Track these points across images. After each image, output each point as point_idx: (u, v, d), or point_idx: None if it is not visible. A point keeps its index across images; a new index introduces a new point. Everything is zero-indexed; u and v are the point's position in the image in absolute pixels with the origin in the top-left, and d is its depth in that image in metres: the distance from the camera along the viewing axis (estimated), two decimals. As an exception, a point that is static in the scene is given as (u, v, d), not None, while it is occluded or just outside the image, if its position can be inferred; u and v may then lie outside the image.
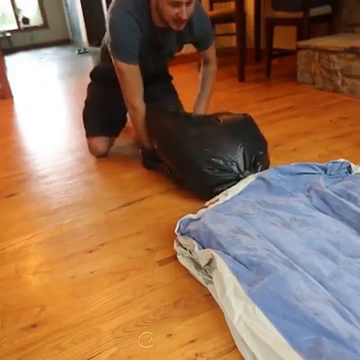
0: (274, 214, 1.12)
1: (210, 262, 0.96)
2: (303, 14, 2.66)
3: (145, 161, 1.67)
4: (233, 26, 3.81)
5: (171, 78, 1.95)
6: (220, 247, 0.99)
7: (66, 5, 7.69)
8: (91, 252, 1.19)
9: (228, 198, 1.24)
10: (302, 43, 2.66)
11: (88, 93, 1.93)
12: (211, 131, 1.40)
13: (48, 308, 0.98)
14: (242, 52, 2.98)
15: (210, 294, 0.94)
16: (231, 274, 0.89)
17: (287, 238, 1.01)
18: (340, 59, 2.38)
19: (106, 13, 5.61)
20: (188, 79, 1.84)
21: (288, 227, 1.07)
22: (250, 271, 0.91)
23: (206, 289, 0.96)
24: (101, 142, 1.83)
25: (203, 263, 0.97)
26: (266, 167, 1.42)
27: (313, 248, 0.97)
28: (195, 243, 1.04)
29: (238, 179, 1.32)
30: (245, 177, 1.32)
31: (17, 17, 7.89)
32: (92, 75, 1.90)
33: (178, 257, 1.08)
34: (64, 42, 8.10)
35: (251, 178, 1.30)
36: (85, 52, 6.36)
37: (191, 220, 1.18)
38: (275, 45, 3.07)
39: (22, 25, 7.93)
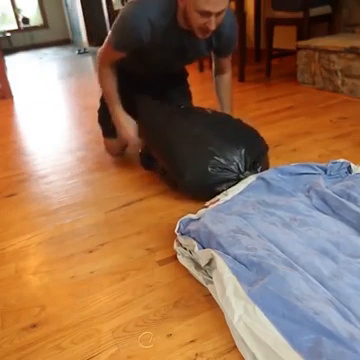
0: (274, 214, 1.12)
1: (210, 262, 0.96)
2: (303, 14, 2.66)
3: (143, 161, 1.66)
4: (233, 26, 3.81)
5: (187, 75, 1.85)
6: (220, 247, 0.99)
7: (66, 5, 7.69)
8: (91, 252, 1.19)
9: (228, 198, 1.24)
10: (302, 43, 2.66)
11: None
12: (214, 131, 1.40)
13: (48, 308, 0.98)
14: (242, 52, 2.98)
15: (210, 294, 0.94)
16: (231, 274, 0.89)
17: (287, 238, 1.01)
18: (340, 59, 2.38)
19: (106, 13, 5.63)
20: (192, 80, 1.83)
21: (288, 227, 1.07)
22: (250, 271, 0.91)
23: (206, 289, 0.96)
24: (117, 143, 1.77)
25: (203, 263, 0.97)
26: (266, 169, 1.42)
27: (313, 248, 0.97)
28: (195, 243, 1.04)
29: (238, 179, 1.32)
30: (245, 177, 1.32)
31: (17, 17, 7.89)
32: None
33: (178, 257, 1.08)
34: (64, 42, 8.10)
35: (251, 178, 1.30)
36: (85, 52, 6.36)
37: (191, 220, 1.18)
38: (275, 45, 3.07)
39: (22, 25, 7.93)
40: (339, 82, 2.45)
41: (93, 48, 6.64)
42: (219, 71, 1.66)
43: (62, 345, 0.87)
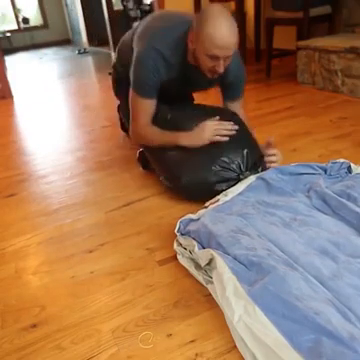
0: (274, 214, 1.12)
1: (210, 262, 0.96)
2: (303, 14, 2.66)
3: (141, 161, 1.66)
4: (233, 26, 3.81)
5: (193, 100, 1.86)
6: (220, 247, 0.99)
7: (66, 5, 7.69)
8: (91, 252, 1.19)
9: (228, 198, 1.24)
10: (302, 43, 2.66)
11: (121, 95, 1.81)
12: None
13: (48, 308, 0.98)
14: (242, 52, 2.98)
15: (210, 294, 0.94)
16: (231, 274, 0.89)
17: (287, 238, 1.01)
18: (340, 59, 2.38)
19: (106, 13, 5.64)
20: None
21: (288, 227, 1.07)
22: (250, 271, 0.91)
23: (206, 289, 0.96)
24: None
25: (203, 263, 0.97)
26: (265, 169, 1.41)
27: (313, 248, 0.97)
28: (195, 243, 1.04)
29: (238, 179, 1.32)
30: (245, 178, 1.32)
31: (17, 17, 7.88)
32: (116, 88, 1.84)
33: (178, 257, 1.08)
34: (64, 42, 8.10)
35: (251, 179, 1.30)
36: (85, 52, 6.36)
37: (191, 220, 1.18)
38: (275, 45, 3.07)
39: (22, 25, 7.93)
40: (339, 82, 2.45)
41: (93, 48, 6.65)
42: None
43: (62, 345, 0.87)
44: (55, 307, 0.98)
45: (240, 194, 1.25)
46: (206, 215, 1.15)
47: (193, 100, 1.84)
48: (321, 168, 1.34)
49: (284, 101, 2.46)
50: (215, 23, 1.20)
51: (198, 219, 1.16)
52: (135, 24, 5.74)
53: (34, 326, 0.93)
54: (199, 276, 0.99)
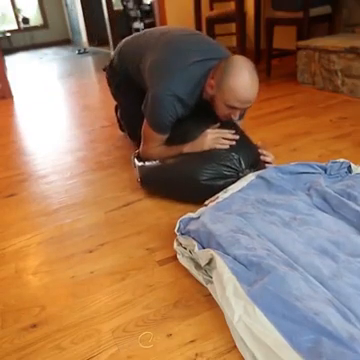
0: (274, 213, 1.12)
1: (210, 262, 0.96)
2: (303, 14, 2.66)
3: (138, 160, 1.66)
4: (233, 26, 3.81)
5: None
6: (220, 247, 0.99)
7: (66, 5, 7.69)
8: (91, 252, 1.19)
9: (227, 196, 1.24)
10: (302, 43, 2.66)
11: (121, 98, 1.82)
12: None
13: (48, 308, 0.98)
14: (242, 52, 2.98)
15: (210, 294, 0.94)
16: (231, 274, 0.89)
17: (287, 237, 1.01)
18: (340, 59, 2.38)
19: (106, 13, 5.64)
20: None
21: (288, 226, 1.06)
22: (250, 271, 0.91)
23: (206, 289, 0.96)
24: None
25: (203, 263, 0.97)
26: (263, 169, 1.42)
27: (313, 247, 0.97)
28: (195, 243, 1.04)
29: (237, 177, 1.32)
30: (244, 175, 1.32)
31: (17, 17, 7.88)
32: (115, 91, 1.82)
33: (178, 257, 1.08)
34: (64, 42, 8.10)
35: (251, 177, 1.30)
36: (85, 52, 6.36)
37: (191, 219, 1.18)
38: (275, 45, 3.07)
39: (22, 25, 7.92)
40: (339, 82, 2.45)
41: (93, 48, 6.65)
42: None
43: (62, 345, 0.87)
44: (55, 307, 0.98)
45: (240, 191, 1.25)
46: (206, 214, 1.15)
47: None
48: (321, 167, 1.34)
49: (284, 101, 2.46)
50: (238, 77, 1.23)
51: (198, 218, 1.16)
52: (135, 24, 5.76)
53: (34, 326, 0.93)
54: (199, 276, 0.99)
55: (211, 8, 3.88)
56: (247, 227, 1.06)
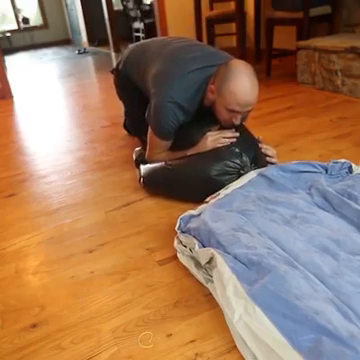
0: (275, 211, 1.12)
1: (210, 261, 0.96)
2: (303, 14, 2.66)
3: (137, 158, 1.66)
4: (233, 26, 3.82)
5: None
6: (220, 246, 0.99)
7: (66, 5, 7.69)
8: (91, 252, 1.19)
9: (228, 192, 1.24)
10: (302, 43, 2.66)
11: (125, 99, 1.88)
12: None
13: (48, 308, 0.98)
14: (242, 52, 2.98)
15: (210, 294, 0.94)
16: (231, 274, 0.89)
17: (288, 235, 1.01)
18: (340, 59, 2.38)
19: (106, 13, 5.64)
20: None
21: (289, 224, 1.07)
22: (250, 270, 0.91)
23: (206, 289, 0.96)
24: None
25: (203, 262, 0.97)
26: (264, 166, 1.42)
27: (314, 245, 0.97)
28: (195, 241, 1.04)
29: (239, 174, 1.33)
30: (246, 173, 1.33)
31: (17, 17, 7.89)
32: (121, 93, 1.87)
33: (178, 255, 1.08)
34: (64, 42, 8.11)
35: (252, 174, 1.31)
36: (85, 52, 6.36)
37: (192, 216, 1.18)
38: (275, 45, 3.07)
39: (22, 25, 7.93)
40: (339, 82, 2.45)
41: (93, 48, 6.65)
42: None
43: (62, 345, 0.87)
44: (55, 307, 0.98)
45: (241, 188, 1.25)
46: (206, 211, 1.15)
47: None
48: (322, 167, 1.35)
49: (284, 101, 2.46)
50: (238, 81, 1.24)
51: (199, 215, 1.16)
52: (135, 24, 5.76)
53: (34, 326, 0.93)
54: (199, 275, 0.99)
55: (211, 8, 3.88)
56: (248, 225, 1.06)
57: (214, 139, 1.38)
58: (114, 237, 1.25)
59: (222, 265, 0.91)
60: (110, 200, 1.48)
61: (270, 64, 3.07)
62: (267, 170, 1.31)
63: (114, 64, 4.74)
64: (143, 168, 1.51)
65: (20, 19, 7.91)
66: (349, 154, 1.61)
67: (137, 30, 5.86)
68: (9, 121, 2.83)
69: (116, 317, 0.93)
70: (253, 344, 0.76)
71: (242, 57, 3.06)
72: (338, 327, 0.73)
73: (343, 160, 1.36)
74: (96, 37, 6.84)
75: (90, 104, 3.03)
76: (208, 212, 1.14)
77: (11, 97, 3.51)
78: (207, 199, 1.26)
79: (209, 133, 1.40)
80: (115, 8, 5.99)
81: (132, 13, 5.76)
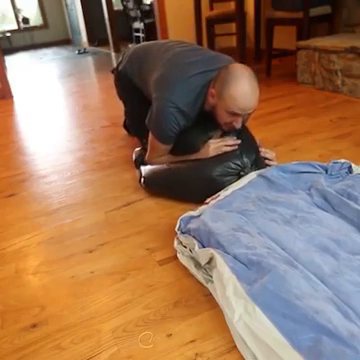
0: (275, 211, 1.12)
1: (210, 261, 0.96)
2: (303, 14, 2.66)
3: (137, 159, 1.66)
4: (233, 26, 3.82)
5: None
6: (220, 246, 0.99)
7: (66, 5, 7.69)
8: (91, 252, 1.19)
9: (228, 193, 1.24)
10: (302, 43, 2.66)
11: (126, 99, 1.88)
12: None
13: (48, 308, 0.98)
14: (242, 52, 2.98)
15: (210, 294, 0.94)
16: (231, 274, 0.89)
17: (288, 235, 1.01)
18: (340, 59, 2.38)
19: (106, 13, 5.64)
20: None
21: (289, 224, 1.07)
22: (250, 270, 0.91)
23: (206, 289, 0.96)
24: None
25: (203, 262, 0.97)
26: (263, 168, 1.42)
27: (314, 245, 0.98)
28: (195, 242, 1.04)
29: (239, 176, 1.33)
30: (246, 174, 1.33)
31: (17, 17, 7.89)
32: (120, 93, 1.88)
33: (178, 255, 1.08)
34: (64, 42, 8.11)
35: (252, 175, 1.31)
36: (85, 52, 6.36)
37: (192, 217, 1.18)
38: (275, 45, 3.07)
39: (22, 25, 7.93)
40: (339, 82, 2.45)
41: (93, 48, 6.65)
42: None
43: (62, 345, 0.87)
44: (55, 307, 0.98)
45: (241, 189, 1.26)
46: (206, 212, 1.15)
47: None
48: (322, 167, 1.35)
49: (284, 101, 2.46)
50: (238, 85, 1.25)
51: (199, 216, 1.16)
52: (135, 24, 5.75)
53: (34, 326, 0.93)
54: (199, 275, 0.99)
55: (211, 8, 3.88)
56: (247, 225, 1.07)
57: (216, 147, 1.38)
58: (114, 237, 1.25)
59: (222, 265, 0.91)
60: (110, 200, 1.48)
61: (270, 64, 3.07)
62: (267, 171, 1.32)
63: (114, 64, 4.74)
64: (144, 168, 1.52)
65: (20, 19, 7.91)
66: (349, 154, 1.61)
67: (137, 30, 5.86)
68: (9, 121, 2.83)
69: (116, 317, 0.93)
70: (253, 344, 0.76)
71: (242, 57, 3.08)
72: (338, 326, 0.73)
73: (343, 160, 1.36)
74: (96, 37, 6.84)
75: (90, 104, 3.04)
76: (208, 213, 1.14)
77: (11, 97, 3.51)
78: (207, 200, 1.26)
79: (211, 141, 1.40)
80: (115, 8, 5.99)
81: (132, 13, 5.77)
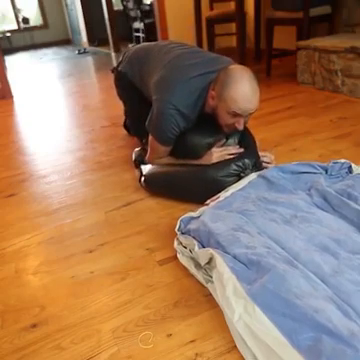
0: (275, 211, 1.12)
1: (210, 261, 0.96)
2: (303, 14, 2.66)
3: (136, 159, 1.66)
4: (233, 26, 3.82)
5: None
6: (219, 246, 0.99)
7: (66, 5, 7.69)
8: (91, 252, 1.19)
9: (228, 194, 1.24)
10: (302, 43, 2.66)
11: (125, 99, 1.88)
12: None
13: (48, 308, 0.98)
14: (242, 52, 2.98)
15: (210, 294, 0.94)
16: (231, 274, 0.89)
17: (287, 235, 1.01)
18: (340, 59, 2.38)
19: (106, 13, 5.64)
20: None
21: (289, 224, 1.07)
22: (250, 270, 0.91)
23: (206, 289, 0.96)
24: None
25: (203, 262, 0.97)
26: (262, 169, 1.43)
27: (314, 244, 0.98)
28: (195, 242, 1.04)
29: (239, 177, 1.33)
30: (246, 175, 1.33)
31: (17, 17, 7.89)
32: (120, 93, 1.88)
33: (178, 256, 1.08)
34: (64, 42, 8.11)
35: (252, 176, 1.32)
36: (85, 52, 6.36)
37: (192, 218, 1.18)
38: (275, 45, 3.07)
39: (22, 25, 7.93)
40: (339, 82, 2.45)
41: (93, 48, 6.65)
42: None
43: (62, 345, 0.87)
44: (55, 307, 0.99)
45: (241, 190, 1.26)
46: (206, 213, 1.15)
47: None
48: (322, 167, 1.35)
49: (284, 101, 2.46)
50: (238, 86, 1.25)
51: (199, 217, 1.16)
52: (135, 24, 5.75)
53: (34, 326, 0.93)
54: (199, 275, 0.99)
55: (211, 8, 3.88)
56: (247, 225, 1.07)
57: (219, 156, 1.39)
58: (114, 237, 1.25)
59: (221, 265, 0.91)
60: (110, 200, 1.48)
61: (270, 64, 3.07)
62: (267, 171, 1.32)
63: (114, 64, 4.74)
64: (144, 168, 1.52)
65: (20, 19, 7.91)
66: (349, 154, 1.61)
67: (137, 30, 5.86)
68: (9, 121, 2.83)
69: (116, 317, 0.93)
70: (253, 344, 0.76)
71: (242, 57, 3.08)
72: (338, 325, 0.73)
73: (343, 160, 1.36)
74: (96, 37, 6.84)
75: (90, 104, 3.04)
76: (208, 213, 1.14)
77: (11, 97, 3.51)
78: (207, 201, 1.26)
79: (214, 149, 1.41)
80: (115, 8, 5.99)
81: (132, 13, 5.76)
